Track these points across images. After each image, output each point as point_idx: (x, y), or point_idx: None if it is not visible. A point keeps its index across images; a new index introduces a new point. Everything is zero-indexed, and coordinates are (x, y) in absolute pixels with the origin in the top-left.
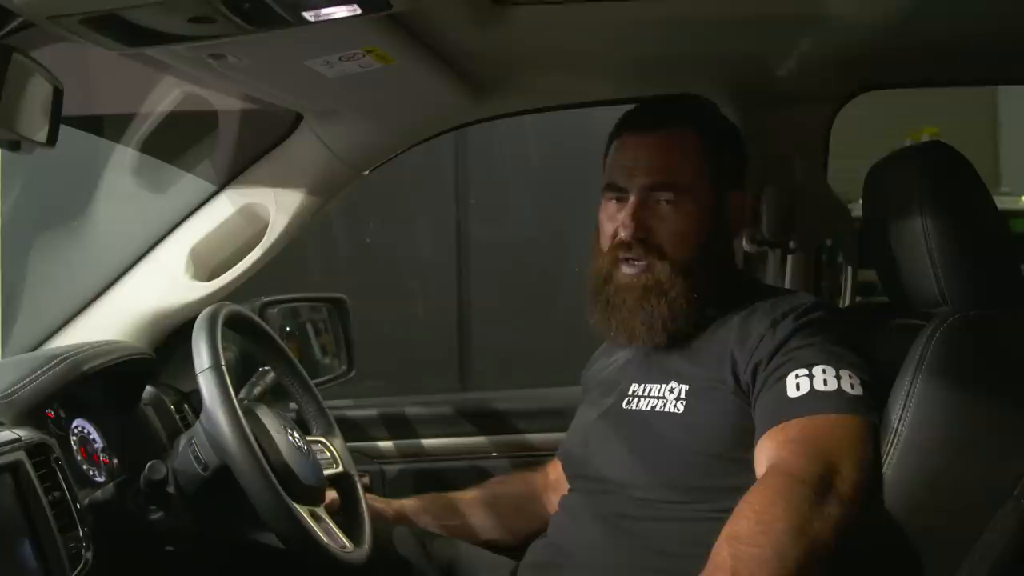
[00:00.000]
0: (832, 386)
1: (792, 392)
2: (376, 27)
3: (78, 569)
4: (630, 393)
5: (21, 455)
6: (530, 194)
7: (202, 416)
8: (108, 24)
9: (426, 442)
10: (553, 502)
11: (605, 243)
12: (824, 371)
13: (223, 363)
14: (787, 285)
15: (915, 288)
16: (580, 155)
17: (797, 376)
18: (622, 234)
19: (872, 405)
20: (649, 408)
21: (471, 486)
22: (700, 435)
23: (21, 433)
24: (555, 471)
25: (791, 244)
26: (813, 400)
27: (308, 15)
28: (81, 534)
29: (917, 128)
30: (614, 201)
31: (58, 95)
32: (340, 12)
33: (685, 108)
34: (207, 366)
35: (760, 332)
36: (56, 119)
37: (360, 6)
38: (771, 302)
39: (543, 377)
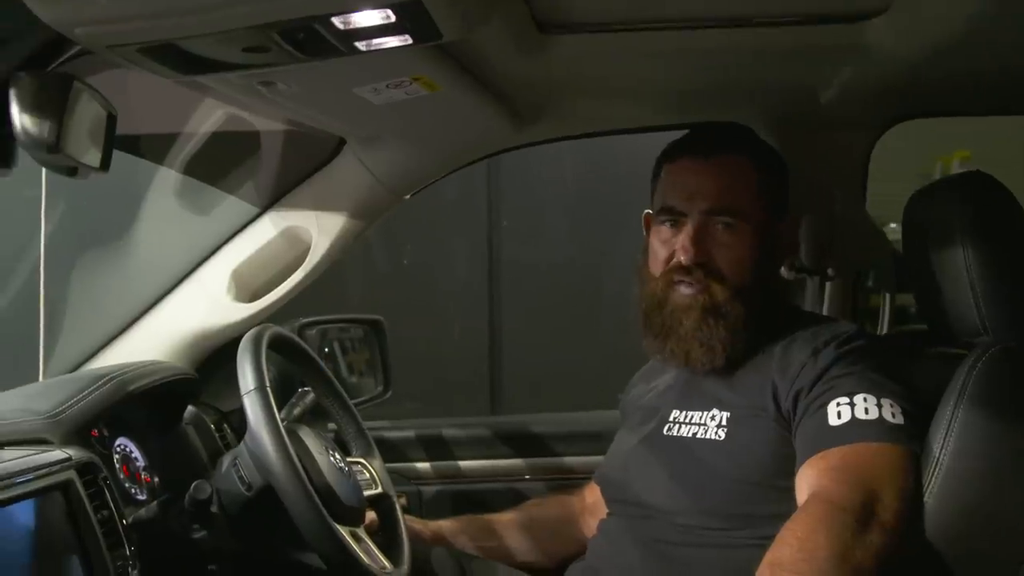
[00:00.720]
0: (873, 414)
1: (833, 420)
2: (424, 56)
3: None
4: (671, 419)
5: (72, 474)
6: (561, 217)
7: (247, 437)
8: (164, 53)
9: (463, 464)
10: (590, 525)
11: (657, 267)
12: (865, 399)
13: (268, 384)
14: (826, 312)
15: (956, 317)
16: (611, 178)
17: (838, 404)
18: (681, 258)
19: (913, 434)
20: (690, 435)
21: (508, 508)
22: (741, 462)
23: (71, 452)
24: (592, 494)
25: (829, 271)
26: (854, 428)
27: (361, 45)
28: (128, 552)
29: (948, 152)
30: (667, 225)
31: (111, 120)
32: (392, 42)
33: (740, 134)
34: (252, 387)
35: (801, 360)
36: (109, 144)
37: (412, 36)
38: (812, 330)
39: (572, 400)
